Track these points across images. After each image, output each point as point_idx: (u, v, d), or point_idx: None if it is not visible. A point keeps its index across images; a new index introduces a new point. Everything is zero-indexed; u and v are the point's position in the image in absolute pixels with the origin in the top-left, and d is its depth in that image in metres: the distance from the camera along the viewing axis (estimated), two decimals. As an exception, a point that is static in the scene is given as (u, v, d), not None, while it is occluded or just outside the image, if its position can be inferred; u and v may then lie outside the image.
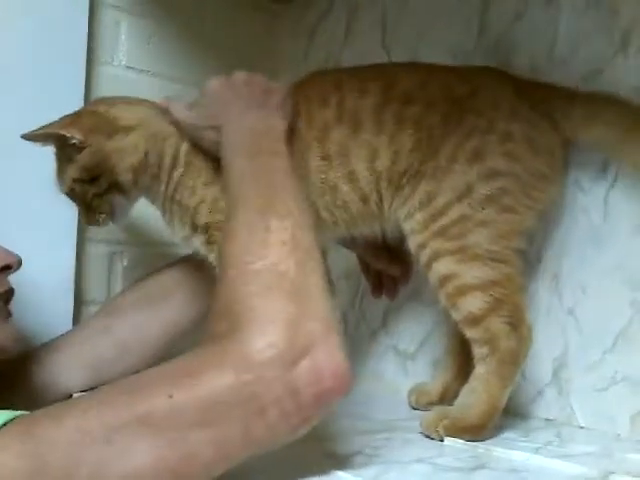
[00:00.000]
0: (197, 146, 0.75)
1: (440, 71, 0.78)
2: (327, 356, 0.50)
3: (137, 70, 1.09)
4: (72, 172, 0.76)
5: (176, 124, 0.76)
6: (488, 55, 0.88)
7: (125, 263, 1.11)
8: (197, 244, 0.76)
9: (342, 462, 0.57)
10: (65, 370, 0.82)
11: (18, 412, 0.48)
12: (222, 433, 0.47)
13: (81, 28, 1.01)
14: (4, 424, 0.46)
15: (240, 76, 0.74)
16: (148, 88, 1.09)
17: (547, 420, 0.78)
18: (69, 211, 1.00)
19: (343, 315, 1.08)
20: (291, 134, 0.70)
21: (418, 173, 0.73)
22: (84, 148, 0.75)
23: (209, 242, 0.75)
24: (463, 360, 0.80)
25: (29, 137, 0.76)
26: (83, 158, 0.75)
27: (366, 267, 0.91)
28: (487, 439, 0.67)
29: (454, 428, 0.67)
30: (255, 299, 0.52)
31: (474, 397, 0.69)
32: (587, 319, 0.76)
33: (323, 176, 0.75)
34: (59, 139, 0.75)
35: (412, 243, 0.73)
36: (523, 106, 0.73)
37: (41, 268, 0.98)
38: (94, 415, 0.47)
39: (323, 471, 0.55)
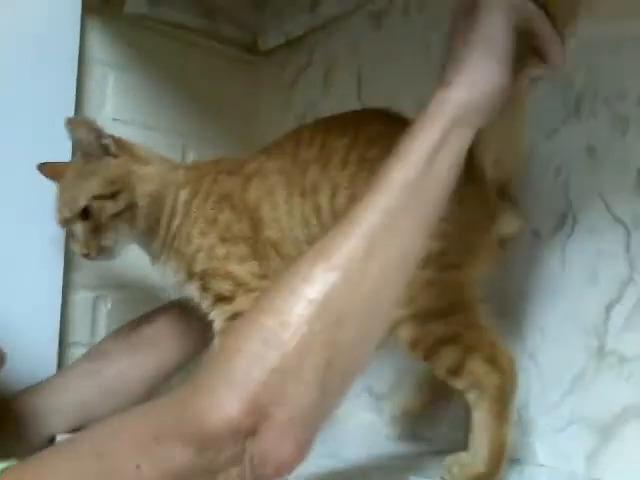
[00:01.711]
0: None
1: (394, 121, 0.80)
2: (275, 446, 0.48)
3: (123, 121, 1.14)
4: (94, 186, 0.80)
5: None
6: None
7: (109, 306, 1.14)
8: (191, 290, 0.81)
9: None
10: (49, 413, 0.84)
11: (4, 464, 0.49)
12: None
13: (69, 82, 1.07)
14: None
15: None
16: (133, 138, 1.14)
17: (513, 460, 0.81)
18: (55, 256, 1.05)
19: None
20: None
21: None
22: (113, 157, 0.82)
23: (204, 288, 0.79)
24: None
25: (70, 123, 0.81)
26: (109, 169, 0.81)
27: None
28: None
29: (463, 475, 0.69)
30: (241, 363, 0.49)
31: (478, 443, 0.70)
32: (546, 363, 0.80)
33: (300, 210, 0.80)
34: (96, 138, 0.81)
35: None
36: None
37: (27, 312, 1.02)
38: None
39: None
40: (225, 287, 0.80)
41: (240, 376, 0.48)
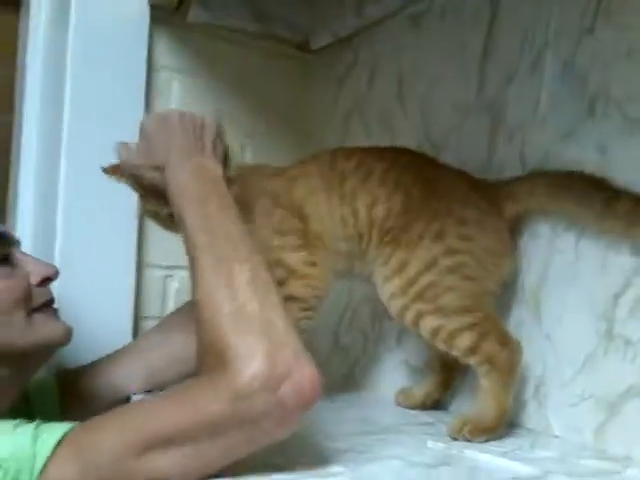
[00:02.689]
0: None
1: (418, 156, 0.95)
2: (302, 374, 0.62)
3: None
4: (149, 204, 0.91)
5: (122, 166, 0.85)
6: (483, 110, 1.01)
7: (177, 285, 1.28)
8: None
9: (332, 456, 0.71)
10: (124, 377, 0.98)
11: (69, 425, 0.63)
12: (230, 445, 0.61)
13: (139, 86, 1.20)
14: (64, 435, 0.62)
15: (173, 114, 0.81)
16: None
17: (528, 429, 0.90)
18: (131, 239, 1.19)
19: (364, 335, 1.23)
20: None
21: (397, 239, 0.88)
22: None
23: None
24: (445, 375, 0.99)
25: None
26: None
27: None
28: (503, 436, 0.83)
29: (477, 431, 0.81)
30: (232, 338, 0.63)
31: (486, 405, 0.83)
32: (561, 344, 0.88)
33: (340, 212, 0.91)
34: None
35: (394, 306, 0.88)
36: (474, 195, 0.88)
37: (106, 289, 1.17)
38: (121, 443, 0.61)
39: (319, 463, 0.70)
40: (278, 273, 0.89)
41: (241, 344, 0.63)
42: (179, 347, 1.00)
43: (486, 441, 0.81)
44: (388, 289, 0.88)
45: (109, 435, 0.62)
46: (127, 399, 0.98)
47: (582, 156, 0.85)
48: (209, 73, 1.29)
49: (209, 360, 0.64)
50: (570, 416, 0.86)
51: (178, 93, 1.25)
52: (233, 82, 1.32)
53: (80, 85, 1.14)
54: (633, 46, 0.81)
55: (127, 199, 1.01)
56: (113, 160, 0.87)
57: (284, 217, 0.92)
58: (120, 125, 1.15)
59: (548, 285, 0.90)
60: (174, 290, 1.28)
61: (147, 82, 1.20)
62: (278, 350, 0.62)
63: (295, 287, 0.91)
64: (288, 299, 0.89)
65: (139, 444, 0.60)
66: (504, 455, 0.76)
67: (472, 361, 0.85)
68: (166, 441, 0.60)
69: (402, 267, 0.87)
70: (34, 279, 0.83)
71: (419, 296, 0.85)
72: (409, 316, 0.86)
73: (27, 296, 0.81)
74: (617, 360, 0.81)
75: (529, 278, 0.92)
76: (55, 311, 0.86)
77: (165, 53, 1.24)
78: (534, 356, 0.90)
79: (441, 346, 0.86)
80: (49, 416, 0.71)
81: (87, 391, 0.96)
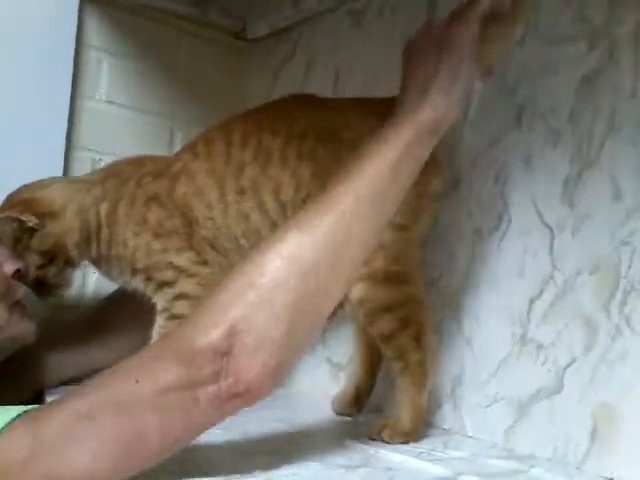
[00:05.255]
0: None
1: (320, 108, 0.90)
2: (245, 367, 0.59)
3: (115, 104, 1.22)
4: (33, 260, 0.88)
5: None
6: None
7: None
8: (136, 284, 0.90)
9: (248, 457, 0.71)
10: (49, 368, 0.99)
11: (26, 407, 0.60)
12: (168, 421, 0.59)
13: (67, 66, 1.15)
14: (18, 415, 0.58)
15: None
16: (125, 120, 1.23)
17: (443, 429, 0.92)
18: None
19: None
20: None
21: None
22: (36, 232, 0.87)
23: (148, 279, 0.88)
24: (370, 364, 0.98)
25: None
26: (36, 242, 0.87)
27: None
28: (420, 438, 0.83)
29: (395, 434, 0.81)
30: (223, 299, 0.61)
31: (402, 407, 0.83)
32: (479, 346, 0.90)
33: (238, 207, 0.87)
34: (19, 225, 0.86)
35: None
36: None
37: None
38: (83, 399, 0.59)
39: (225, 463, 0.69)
40: (167, 275, 0.88)
41: (222, 307, 0.61)
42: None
43: (403, 443, 0.82)
44: None
45: (60, 408, 0.59)
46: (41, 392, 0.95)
47: (508, 164, 0.88)
48: (140, 56, 1.25)
49: (190, 314, 0.64)
50: (483, 417, 0.88)
51: (107, 74, 1.21)
52: (165, 67, 1.29)
53: (2, 61, 1.09)
54: (558, 60, 0.84)
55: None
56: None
57: (164, 218, 0.89)
58: (45, 104, 1.11)
59: (469, 287, 0.92)
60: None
61: (75, 61, 1.15)
62: (245, 334, 0.60)
63: (186, 285, 0.88)
64: (179, 297, 0.87)
65: (85, 413, 0.58)
66: (418, 456, 0.77)
67: (386, 350, 0.84)
68: (117, 406, 0.58)
69: None
70: (7, 270, 0.83)
71: None
72: None
73: (9, 289, 0.82)
74: (529, 364, 0.84)
75: (451, 280, 0.94)
76: (25, 308, 0.87)
77: (95, 32, 1.19)
78: (452, 357, 0.93)
79: (361, 319, 0.85)
80: None
81: (7, 377, 0.94)
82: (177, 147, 1.20)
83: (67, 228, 0.89)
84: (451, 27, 0.70)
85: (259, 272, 0.62)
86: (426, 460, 0.75)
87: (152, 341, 0.88)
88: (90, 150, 1.17)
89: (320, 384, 1.14)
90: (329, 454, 0.75)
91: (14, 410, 0.60)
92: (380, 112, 0.75)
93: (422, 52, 0.71)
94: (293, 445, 0.79)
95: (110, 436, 0.57)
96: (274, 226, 0.86)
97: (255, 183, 0.87)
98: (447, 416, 0.93)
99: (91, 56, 1.19)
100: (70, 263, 0.91)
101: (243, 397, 0.61)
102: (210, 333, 0.60)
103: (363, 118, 0.86)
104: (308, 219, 0.64)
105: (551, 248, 0.83)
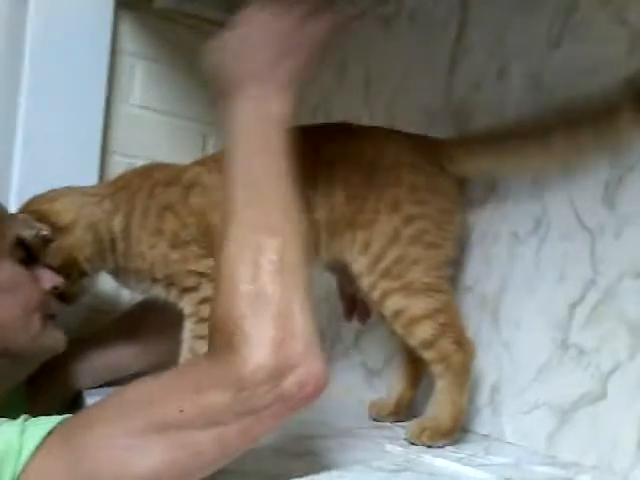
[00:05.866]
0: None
1: (353, 137, 0.90)
2: (308, 369, 0.59)
3: (148, 109, 1.23)
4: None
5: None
6: (449, 116, 1.02)
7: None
8: (157, 291, 0.90)
9: (292, 461, 0.71)
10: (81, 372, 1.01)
11: (60, 417, 0.60)
12: (225, 436, 0.58)
13: (101, 71, 1.16)
14: (54, 428, 0.58)
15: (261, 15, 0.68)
16: (157, 125, 1.24)
17: (482, 435, 0.91)
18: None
19: (321, 333, 1.22)
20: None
21: (352, 223, 0.86)
22: (49, 243, 0.87)
23: (169, 285, 0.88)
24: (413, 375, 0.97)
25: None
26: (49, 258, 0.87)
27: (342, 291, 1.03)
28: (458, 441, 0.83)
29: (436, 436, 0.81)
30: (245, 322, 0.59)
31: (442, 407, 0.83)
32: (518, 352, 0.89)
33: None
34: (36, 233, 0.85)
35: (363, 284, 0.87)
36: (419, 159, 0.88)
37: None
38: (116, 425, 0.57)
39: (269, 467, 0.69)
40: (190, 281, 0.88)
41: (253, 330, 0.59)
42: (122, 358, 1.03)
43: (444, 446, 0.81)
44: (356, 268, 0.87)
45: (103, 423, 0.58)
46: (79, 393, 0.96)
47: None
48: (173, 60, 1.26)
49: (218, 338, 0.61)
50: (523, 423, 0.87)
51: (140, 78, 1.22)
52: (196, 72, 1.29)
53: (39, 67, 1.10)
54: (598, 61, 0.83)
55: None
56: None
57: (179, 228, 0.88)
58: (80, 109, 1.13)
59: (507, 292, 0.91)
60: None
61: (109, 66, 1.16)
62: (289, 341, 0.59)
63: (210, 289, 0.85)
64: (205, 301, 0.87)
65: (135, 432, 0.57)
66: (460, 461, 0.76)
67: (426, 356, 0.84)
68: (163, 428, 0.57)
69: (366, 246, 0.86)
70: (46, 286, 0.86)
71: (386, 273, 0.84)
72: (376, 295, 0.85)
73: (45, 303, 0.85)
74: (571, 369, 0.83)
75: (489, 284, 0.93)
76: (56, 321, 0.89)
77: (129, 38, 1.21)
78: (490, 362, 0.92)
79: (400, 331, 0.85)
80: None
81: (41, 380, 0.96)
82: (210, 152, 1.21)
83: (78, 243, 0.89)
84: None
85: (262, 286, 0.60)
86: (469, 465, 0.74)
87: (184, 343, 0.88)
88: (125, 155, 1.18)
89: (354, 389, 1.13)
90: (371, 458, 0.74)
91: (48, 422, 0.59)
92: (414, 151, 0.85)
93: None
94: (333, 448, 0.79)
95: (162, 462, 0.57)
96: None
97: None
98: (485, 422, 0.92)
99: (125, 61, 1.20)
100: (84, 275, 0.92)
101: (311, 397, 0.60)
102: (255, 355, 0.58)
103: (397, 149, 0.89)
104: (260, 219, 0.63)
105: (592, 252, 0.82)
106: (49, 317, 0.87)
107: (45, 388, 0.96)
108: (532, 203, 0.88)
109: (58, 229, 0.88)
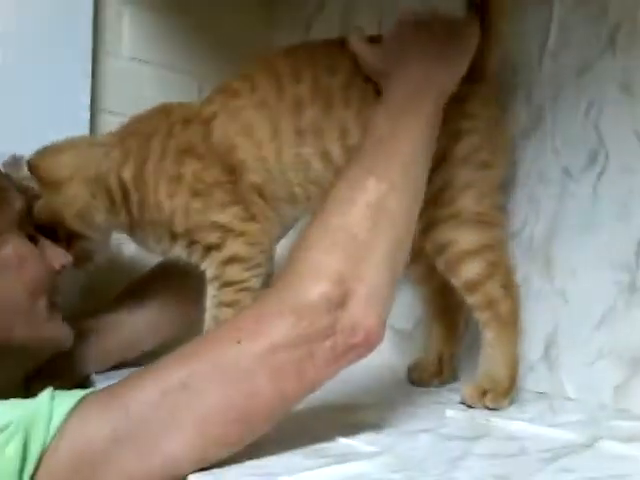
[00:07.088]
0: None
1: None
2: (364, 317, 0.56)
3: (139, 60, 1.11)
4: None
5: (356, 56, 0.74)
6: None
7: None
8: (178, 251, 0.80)
9: (354, 432, 0.62)
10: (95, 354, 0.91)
11: (88, 389, 0.54)
12: (280, 374, 0.54)
13: (86, 21, 1.04)
14: (82, 397, 0.52)
15: (432, 22, 0.71)
16: (150, 78, 1.12)
17: (538, 393, 0.83)
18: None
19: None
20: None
21: None
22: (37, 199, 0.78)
23: (191, 243, 0.78)
24: (450, 328, 0.89)
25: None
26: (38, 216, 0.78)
27: None
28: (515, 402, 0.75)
29: (498, 396, 0.73)
30: (319, 251, 0.58)
31: (495, 364, 0.75)
32: (576, 299, 0.81)
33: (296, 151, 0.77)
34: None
35: None
36: None
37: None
38: (169, 371, 0.53)
39: (334, 440, 0.60)
40: (213, 237, 0.78)
41: (323, 262, 0.57)
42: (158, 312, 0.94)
43: (508, 405, 0.73)
44: None
45: (151, 376, 0.54)
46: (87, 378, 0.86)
47: (602, 93, 0.78)
48: (163, 9, 1.14)
49: (287, 268, 0.59)
50: (586, 376, 0.80)
51: (128, 29, 1.10)
52: (189, 19, 1.17)
53: (18, 21, 0.98)
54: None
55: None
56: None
57: (201, 170, 0.78)
58: (64, 65, 1.01)
59: (558, 236, 0.83)
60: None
61: (94, 15, 1.04)
62: (354, 281, 0.56)
63: (235, 246, 0.78)
64: (230, 261, 0.78)
65: (189, 376, 0.53)
66: (532, 422, 0.68)
67: (471, 300, 0.75)
68: (213, 369, 0.53)
69: None
70: (56, 264, 0.77)
71: (433, 200, 0.73)
72: (420, 225, 0.73)
73: (53, 284, 0.77)
74: (640, 314, 0.75)
75: (537, 228, 0.85)
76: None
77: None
78: (542, 314, 0.84)
79: (442, 267, 0.76)
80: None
81: (51, 363, 0.87)
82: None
83: (67, 201, 0.79)
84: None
85: (350, 223, 0.59)
86: (545, 425, 0.67)
87: (207, 312, 0.79)
88: (116, 114, 1.06)
89: (381, 352, 1.05)
90: (436, 426, 0.66)
91: (77, 392, 0.53)
92: None
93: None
94: (388, 418, 0.70)
95: (217, 403, 0.52)
96: None
97: (317, 127, 0.76)
98: (541, 378, 0.84)
99: (111, 10, 1.08)
100: (78, 237, 0.81)
101: (360, 349, 0.57)
102: (319, 285, 0.56)
103: None
104: (378, 165, 0.62)
105: (660, 185, 0.74)
106: (53, 305, 0.77)
107: (49, 379, 0.85)
108: (587, 134, 0.80)
109: (47, 185, 0.78)
